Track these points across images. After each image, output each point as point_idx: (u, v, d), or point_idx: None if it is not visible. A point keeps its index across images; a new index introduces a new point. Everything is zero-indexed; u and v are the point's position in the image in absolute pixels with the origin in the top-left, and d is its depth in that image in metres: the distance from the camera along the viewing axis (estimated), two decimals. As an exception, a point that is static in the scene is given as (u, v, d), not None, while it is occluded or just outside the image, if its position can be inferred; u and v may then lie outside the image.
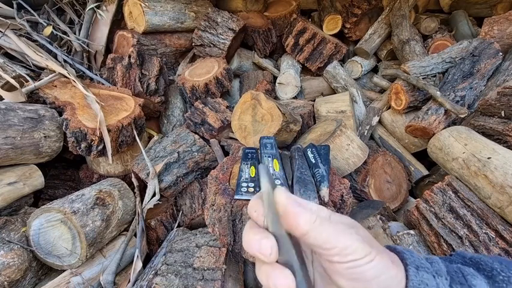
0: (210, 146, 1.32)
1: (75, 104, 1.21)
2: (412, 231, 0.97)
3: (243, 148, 0.94)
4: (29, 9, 1.47)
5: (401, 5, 1.69)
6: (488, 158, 0.90)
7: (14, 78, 1.19)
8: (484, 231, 0.82)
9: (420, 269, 0.28)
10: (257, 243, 0.27)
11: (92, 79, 1.48)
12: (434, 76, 1.42)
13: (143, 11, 1.53)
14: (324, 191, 0.73)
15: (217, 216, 0.80)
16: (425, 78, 1.41)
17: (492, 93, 1.13)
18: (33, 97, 1.23)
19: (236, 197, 0.75)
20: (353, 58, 1.86)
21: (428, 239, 0.92)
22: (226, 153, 1.32)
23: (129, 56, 1.42)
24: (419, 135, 1.33)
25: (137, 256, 1.01)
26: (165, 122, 1.64)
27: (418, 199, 1.00)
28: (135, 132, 1.27)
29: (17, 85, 1.16)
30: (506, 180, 0.83)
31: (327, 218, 0.31)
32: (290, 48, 1.85)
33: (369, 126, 1.50)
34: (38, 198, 1.26)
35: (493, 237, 0.80)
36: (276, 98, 1.75)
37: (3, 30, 1.34)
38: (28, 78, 1.25)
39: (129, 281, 0.94)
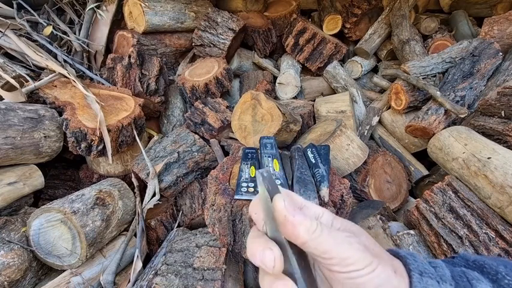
0: (210, 146, 1.32)
1: (75, 104, 1.21)
2: (412, 231, 0.97)
3: (243, 148, 0.94)
4: (29, 9, 1.47)
5: (401, 5, 1.69)
6: (488, 158, 0.90)
7: (14, 78, 1.19)
8: (484, 231, 0.82)
9: (424, 274, 0.27)
10: (260, 254, 0.27)
11: (92, 79, 1.48)
12: (434, 76, 1.42)
13: (143, 11, 1.53)
14: (324, 191, 0.73)
15: (217, 216, 0.80)
16: (425, 78, 1.41)
17: (492, 93, 1.13)
18: (33, 97, 1.23)
19: (236, 197, 0.75)
20: (353, 58, 1.86)
21: (428, 239, 0.92)
22: (226, 153, 1.32)
23: (129, 56, 1.42)
24: (419, 135, 1.33)
25: (137, 256, 1.01)
26: (165, 122, 1.64)
27: (418, 199, 1.00)
28: (135, 132, 1.27)
29: (17, 85, 1.16)
30: (506, 180, 0.83)
31: (329, 225, 0.30)
32: (290, 48, 1.85)
33: (369, 126, 1.50)
34: (38, 198, 1.26)
35: (493, 237, 0.80)
36: (276, 98, 1.75)
37: (3, 30, 1.34)
38: (28, 78, 1.25)
39: (129, 281, 0.94)
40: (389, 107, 1.54)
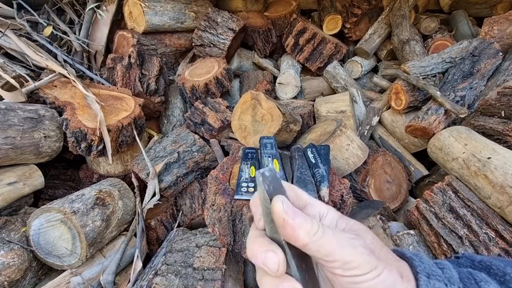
0: (210, 146, 1.32)
1: (75, 104, 1.21)
2: (412, 231, 0.97)
3: (243, 148, 0.94)
4: (29, 9, 1.47)
5: (401, 5, 1.69)
6: (488, 158, 0.90)
7: (14, 78, 1.19)
8: (484, 231, 0.82)
9: (431, 277, 0.26)
10: (262, 256, 0.26)
11: (92, 79, 1.48)
12: (434, 76, 1.42)
13: (143, 11, 1.53)
14: (324, 191, 0.73)
15: (217, 216, 0.80)
16: (425, 78, 1.41)
17: (492, 93, 1.13)
18: (33, 97, 1.23)
19: (236, 197, 0.75)
20: (353, 58, 1.86)
21: (428, 239, 0.92)
22: (226, 153, 1.32)
23: (129, 56, 1.43)
24: (419, 135, 1.33)
25: (137, 256, 1.01)
26: (165, 122, 1.64)
27: (418, 199, 1.00)
28: (135, 132, 1.27)
29: (17, 85, 1.16)
30: (506, 180, 0.83)
31: (334, 224, 0.29)
32: (290, 48, 1.85)
33: (369, 126, 1.50)
34: (38, 198, 1.26)
35: (493, 237, 0.80)
36: (276, 98, 1.75)
37: (3, 30, 1.34)
38: (28, 78, 1.25)
39: (129, 281, 0.94)
40: (389, 107, 1.54)
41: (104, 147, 1.16)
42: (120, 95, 1.36)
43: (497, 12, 1.72)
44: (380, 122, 1.56)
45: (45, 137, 1.13)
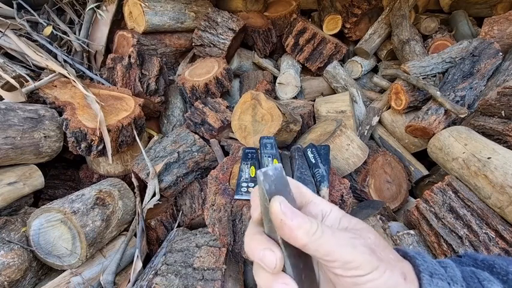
0: (210, 146, 1.32)
1: (75, 104, 1.21)
2: (412, 231, 0.97)
3: (243, 148, 0.94)
4: (29, 9, 1.47)
5: (401, 5, 1.69)
6: (488, 158, 0.90)
7: (14, 78, 1.19)
8: (484, 231, 0.82)
9: (434, 276, 0.26)
10: (260, 253, 0.26)
11: (92, 79, 1.48)
12: (434, 76, 1.42)
13: (143, 11, 1.53)
14: (324, 191, 0.73)
15: (217, 216, 0.80)
16: (425, 78, 1.41)
17: (492, 93, 1.13)
18: (33, 97, 1.23)
19: (236, 197, 0.75)
20: (353, 58, 1.86)
21: (428, 239, 0.92)
22: (226, 153, 1.32)
23: (129, 56, 1.43)
24: (419, 135, 1.33)
25: (137, 256, 1.01)
26: (165, 122, 1.64)
27: (418, 199, 1.00)
28: (135, 132, 1.27)
29: (17, 85, 1.16)
30: (506, 180, 0.83)
31: (337, 223, 0.29)
32: (290, 48, 1.85)
33: (369, 126, 1.50)
34: (38, 198, 1.26)
35: (493, 237, 0.80)
36: (276, 98, 1.75)
37: (3, 30, 1.34)
38: (28, 78, 1.25)
39: (129, 281, 0.94)
40: (389, 107, 1.54)
41: (104, 147, 1.16)
42: (120, 95, 1.36)
43: (497, 12, 1.72)
44: (380, 122, 1.56)
45: (45, 137, 1.13)
